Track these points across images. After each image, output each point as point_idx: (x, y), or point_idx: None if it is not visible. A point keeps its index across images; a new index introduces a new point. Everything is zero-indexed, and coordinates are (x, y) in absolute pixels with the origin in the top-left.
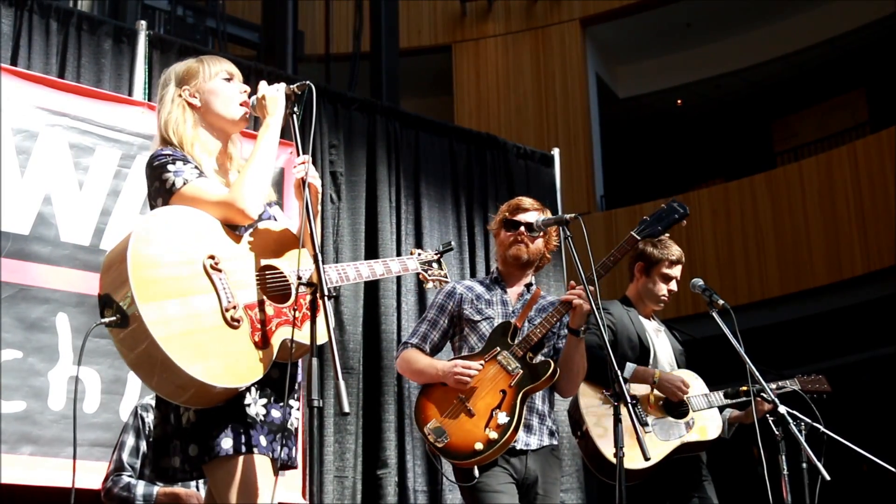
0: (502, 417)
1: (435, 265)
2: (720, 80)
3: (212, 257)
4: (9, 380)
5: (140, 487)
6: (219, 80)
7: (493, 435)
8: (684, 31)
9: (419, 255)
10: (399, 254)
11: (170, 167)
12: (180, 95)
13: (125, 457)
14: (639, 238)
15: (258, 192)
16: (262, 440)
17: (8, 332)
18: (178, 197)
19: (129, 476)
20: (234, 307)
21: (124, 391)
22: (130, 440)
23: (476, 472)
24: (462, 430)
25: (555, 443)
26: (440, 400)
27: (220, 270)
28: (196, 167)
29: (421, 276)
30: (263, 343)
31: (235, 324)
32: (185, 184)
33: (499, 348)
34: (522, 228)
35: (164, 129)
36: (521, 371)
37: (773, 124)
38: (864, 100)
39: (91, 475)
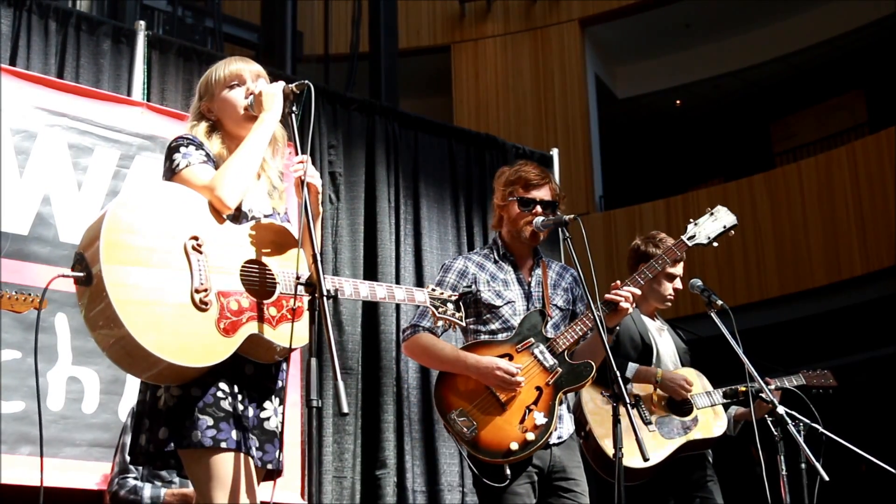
0: (540, 418)
1: (450, 305)
2: (719, 80)
3: (195, 238)
4: (8, 380)
5: (147, 490)
6: (225, 91)
7: (531, 436)
8: (683, 31)
9: (432, 289)
10: (398, 254)
11: (182, 149)
12: (199, 109)
13: (128, 458)
14: (689, 245)
15: (239, 182)
16: (238, 436)
17: (7, 332)
18: (177, 178)
19: (135, 478)
20: (206, 290)
21: (123, 391)
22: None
23: (507, 472)
24: (494, 427)
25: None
26: (466, 388)
27: (201, 252)
28: (207, 154)
29: (432, 314)
30: (228, 332)
31: (203, 306)
32: (186, 166)
33: (533, 340)
34: (539, 208)
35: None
36: (560, 370)
37: (772, 125)
38: (863, 100)
39: (90, 475)
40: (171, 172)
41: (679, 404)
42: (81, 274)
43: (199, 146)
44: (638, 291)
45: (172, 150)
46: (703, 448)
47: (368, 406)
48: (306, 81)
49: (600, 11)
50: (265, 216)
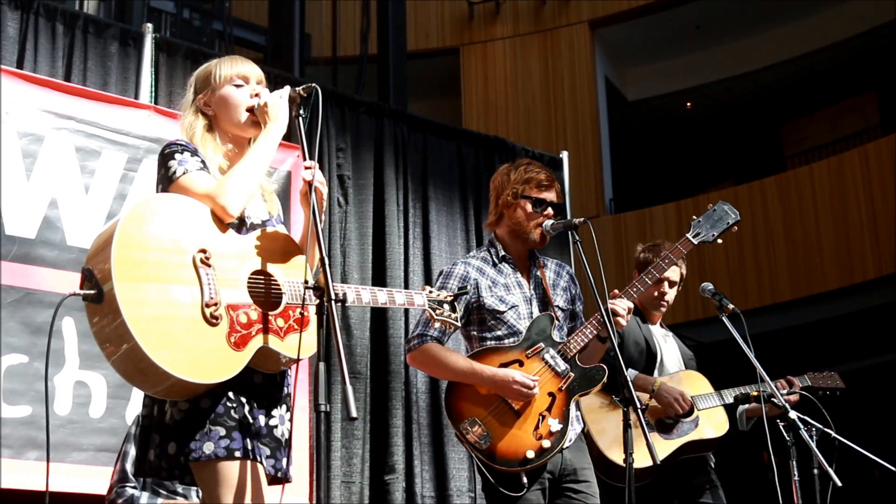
0: (555, 425)
1: (447, 306)
2: (730, 82)
3: (203, 251)
4: (15, 384)
5: (143, 499)
6: (229, 87)
7: (547, 443)
8: (694, 33)
9: (430, 291)
10: (407, 258)
11: (177, 156)
12: (195, 103)
13: (128, 467)
14: (695, 243)
15: (242, 190)
16: (248, 444)
17: (14, 336)
18: (174, 186)
19: (133, 487)
20: (216, 304)
21: (130, 396)
22: (133, 450)
23: (524, 480)
24: (509, 435)
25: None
26: (478, 396)
27: (209, 266)
28: (202, 161)
29: (428, 314)
30: (239, 345)
31: (214, 321)
32: (184, 174)
33: (543, 345)
34: (550, 210)
35: (182, 131)
36: (572, 374)
37: (784, 127)
38: (876, 102)
39: (97, 480)
40: (167, 181)
41: (665, 422)
42: (92, 292)
43: (194, 152)
44: (630, 304)
45: (166, 156)
46: (704, 450)
47: (377, 410)
48: (314, 84)
49: (610, 13)
50: (262, 221)
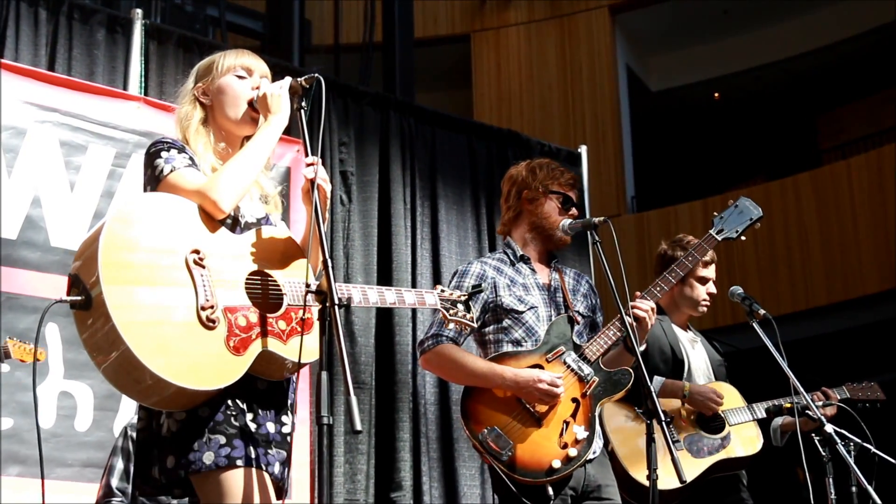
0: (581, 432)
1: (461, 306)
2: (760, 71)
3: (196, 251)
4: None
5: None
6: (229, 77)
7: (573, 452)
8: (721, 18)
9: (442, 290)
10: (414, 260)
11: (163, 154)
12: (193, 91)
13: (115, 482)
14: (719, 239)
15: (236, 185)
16: (252, 452)
17: None
18: (163, 185)
19: (120, 501)
20: (212, 307)
21: (118, 408)
22: (120, 464)
23: (550, 492)
24: (532, 444)
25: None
26: (497, 403)
27: (203, 266)
28: (190, 158)
29: (442, 316)
30: (239, 350)
31: (211, 324)
32: (171, 171)
33: (563, 348)
34: (575, 210)
35: (176, 123)
36: (596, 379)
37: (819, 119)
38: None
39: (83, 497)
40: (155, 180)
41: (709, 421)
42: (80, 298)
43: (181, 149)
44: (652, 304)
45: (153, 155)
46: (737, 468)
47: (383, 423)
48: (316, 74)
49: None
50: (258, 220)
